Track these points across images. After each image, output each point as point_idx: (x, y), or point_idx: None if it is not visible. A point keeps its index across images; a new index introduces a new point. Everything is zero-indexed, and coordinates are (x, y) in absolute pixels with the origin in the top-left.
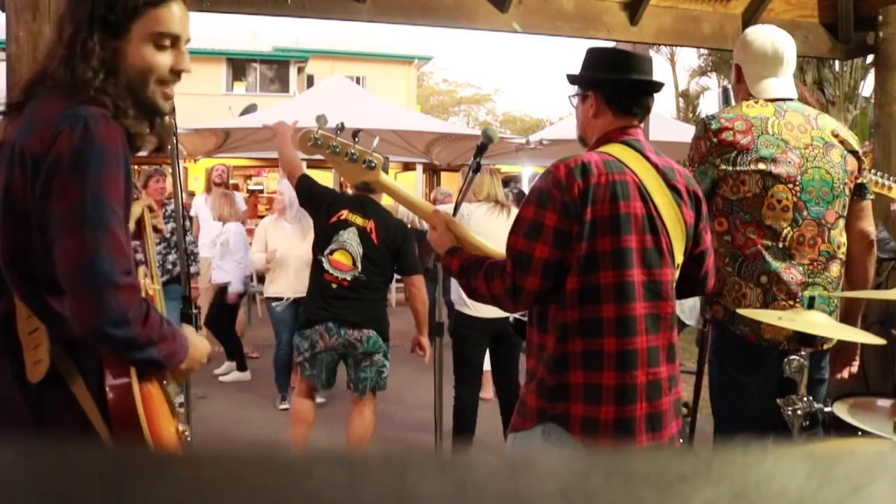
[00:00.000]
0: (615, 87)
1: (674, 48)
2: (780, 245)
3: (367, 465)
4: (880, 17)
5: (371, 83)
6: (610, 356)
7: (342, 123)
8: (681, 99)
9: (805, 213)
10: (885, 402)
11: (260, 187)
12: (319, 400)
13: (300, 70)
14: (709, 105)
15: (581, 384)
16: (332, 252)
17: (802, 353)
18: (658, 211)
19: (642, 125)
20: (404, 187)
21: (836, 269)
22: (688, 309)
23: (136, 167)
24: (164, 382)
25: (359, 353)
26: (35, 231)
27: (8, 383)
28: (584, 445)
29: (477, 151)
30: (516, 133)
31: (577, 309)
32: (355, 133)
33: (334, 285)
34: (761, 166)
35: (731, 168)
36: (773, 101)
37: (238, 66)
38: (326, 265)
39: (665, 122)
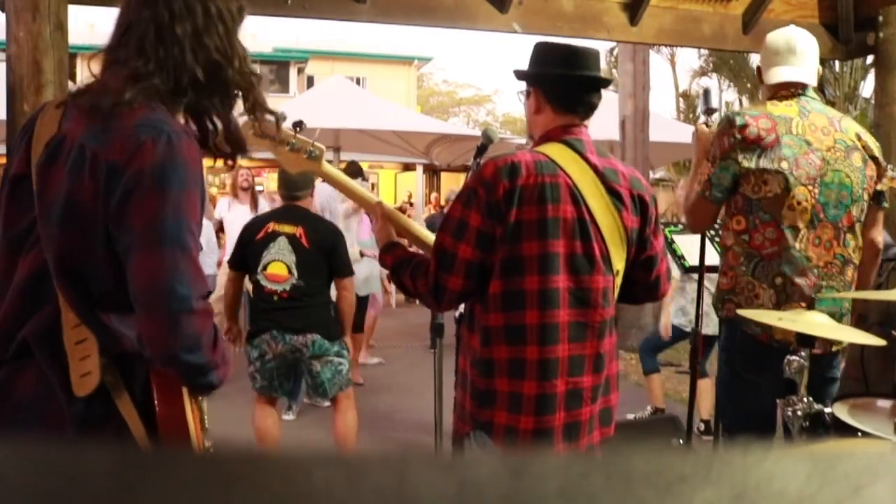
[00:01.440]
0: (555, 82)
1: (674, 49)
2: (798, 247)
3: (367, 466)
4: (880, 18)
5: (371, 84)
6: (532, 364)
7: (283, 113)
8: (681, 99)
9: (822, 215)
10: (885, 403)
11: (260, 188)
12: (287, 417)
13: (300, 71)
14: None
15: (506, 392)
16: (265, 267)
17: (802, 353)
18: (592, 215)
19: (587, 123)
20: (346, 177)
21: (850, 273)
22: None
23: None
24: (199, 398)
25: (307, 357)
26: (98, 242)
27: (51, 394)
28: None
29: (477, 152)
30: (516, 134)
31: (501, 314)
32: (297, 124)
33: (275, 297)
34: (783, 166)
35: (753, 166)
36: (795, 98)
37: None
38: (264, 281)
39: (665, 123)
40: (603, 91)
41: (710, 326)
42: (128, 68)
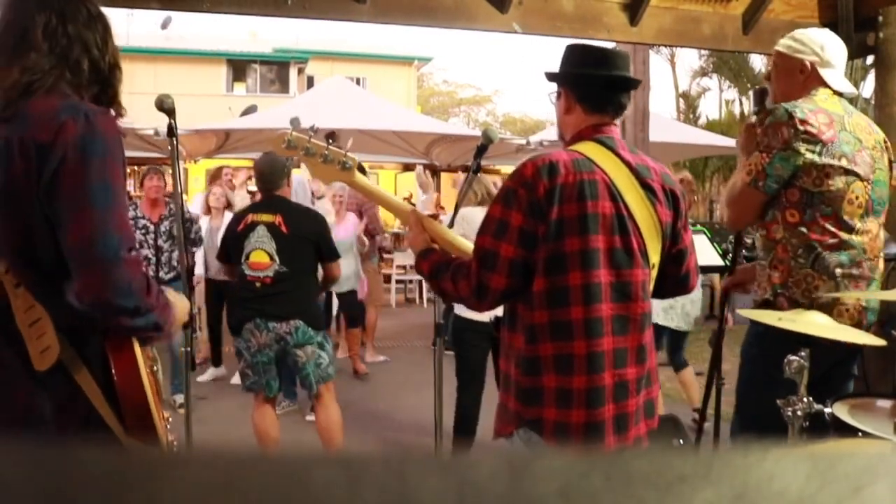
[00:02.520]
0: (585, 82)
1: (674, 49)
2: (856, 239)
3: (367, 466)
4: (880, 18)
5: (371, 84)
6: (580, 359)
7: (315, 126)
8: (681, 100)
9: (871, 211)
10: (885, 403)
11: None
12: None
13: (300, 71)
14: (709, 106)
15: (553, 388)
16: (247, 257)
17: (802, 353)
18: (629, 210)
19: (618, 122)
20: (381, 188)
21: (881, 267)
22: (681, 313)
23: (135, 167)
24: (155, 369)
25: (290, 346)
26: (40, 217)
27: (13, 375)
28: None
29: (477, 152)
30: (516, 134)
31: (546, 310)
32: (329, 135)
33: (258, 284)
34: (843, 162)
35: (818, 159)
36: (837, 95)
37: (238, 66)
38: (247, 270)
39: (665, 123)
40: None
41: (675, 320)
42: (25, 66)
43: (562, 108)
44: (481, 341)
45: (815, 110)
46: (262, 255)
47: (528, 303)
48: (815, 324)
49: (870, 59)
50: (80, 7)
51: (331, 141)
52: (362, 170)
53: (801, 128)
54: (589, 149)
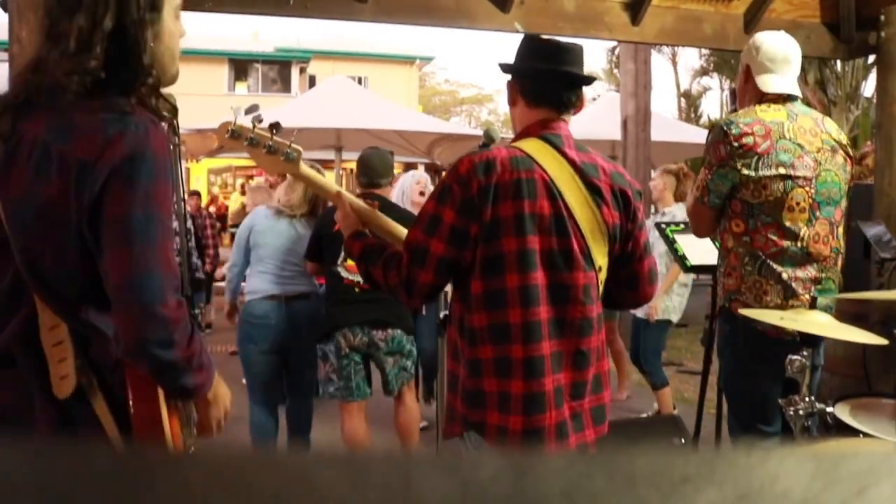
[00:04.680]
0: (528, 76)
1: (675, 48)
2: (799, 244)
3: (371, 466)
4: (882, 17)
5: (373, 83)
6: (517, 363)
7: (259, 115)
8: (682, 99)
9: (818, 213)
10: (887, 403)
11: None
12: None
13: (302, 70)
14: (710, 105)
15: (495, 392)
16: (346, 258)
17: (804, 352)
18: (570, 210)
19: (567, 119)
20: (322, 178)
21: (840, 263)
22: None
23: None
24: (183, 413)
25: (382, 353)
26: (71, 241)
27: (31, 395)
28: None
29: None
30: None
31: (484, 313)
32: (273, 125)
33: (356, 289)
34: (781, 171)
35: (753, 173)
36: (782, 102)
37: (240, 66)
38: (344, 273)
39: (666, 122)
40: (605, 91)
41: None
42: (66, 61)
43: (508, 100)
44: None
45: (752, 122)
46: None
47: (467, 305)
48: (816, 323)
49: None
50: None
51: (275, 131)
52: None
53: (735, 143)
54: (531, 146)
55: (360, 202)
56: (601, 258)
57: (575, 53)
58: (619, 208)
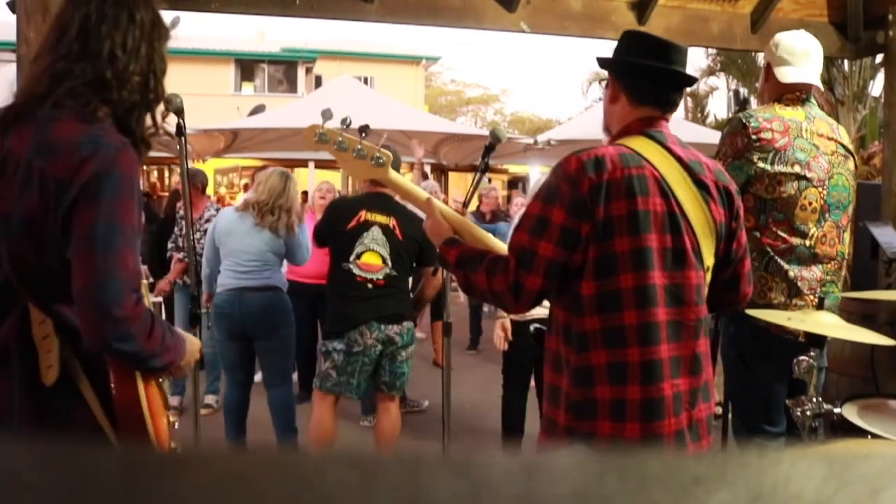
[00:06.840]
0: (633, 72)
1: None
2: (808, 244)
3: (381, 467)
4: (890, 16)
5: (379, 83)
6: (633, 368)
7: (349, 118)
8: (689, 99)
9: (828, 215)
10: (895, 404)
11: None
12: (365, 423)
13: (308, 70)
14: (717, 105)
15: (608, 400)
16: (359, 256)
17: (812, 353)
18: (681, 208)
19: (668, 118)
20: (412, 185)
21: (844, 269)
22: None
23: (143, 167)
24: (161, 380)
25: (397, 347)
26: (51, 248)
27: (21, 385)
28: None
29: (485, 152)
30: (524, 133)
31: (597, 316)
32: (363, 129)
33: (370, 286)
34: (797, 169)
35: (769, 167)
36: (800, 103)
37: (246, 66)
38: (356, 270)
39: (673, 122)
40: None
41: None
42: (53, 68)
43: (607, 97)
44: (525, 341)
45: (771, 118)
46: (375, 258)
47: (577, 309)
48: (824, 324)
49: (879, 58)
50: (121, 10)
51: (364, 135)
52: (397, 166)
53: (753, 136)
54: (637, 143)
55: (450, 209)
56: (709, 257)
57: (684, 53)
58: (725, 206)
